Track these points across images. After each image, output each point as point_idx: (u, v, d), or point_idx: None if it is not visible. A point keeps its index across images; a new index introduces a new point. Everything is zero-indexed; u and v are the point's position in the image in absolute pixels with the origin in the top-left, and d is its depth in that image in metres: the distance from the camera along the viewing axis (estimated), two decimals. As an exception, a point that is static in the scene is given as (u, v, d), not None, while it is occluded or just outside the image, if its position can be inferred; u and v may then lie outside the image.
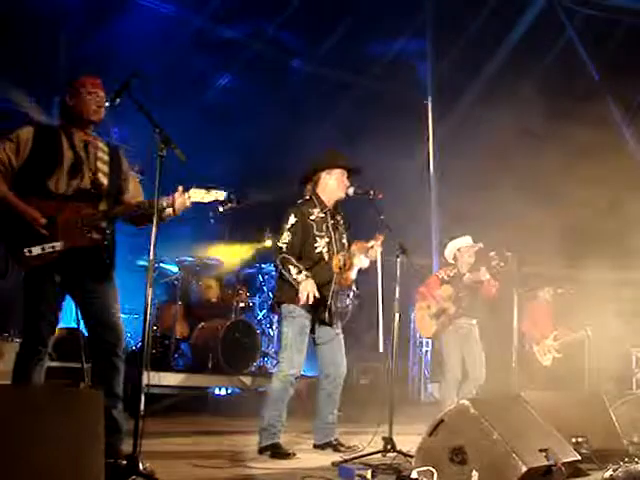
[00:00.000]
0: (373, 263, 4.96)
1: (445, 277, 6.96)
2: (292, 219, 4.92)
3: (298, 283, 4.74)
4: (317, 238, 4.95)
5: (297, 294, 4.75)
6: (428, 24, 11.79)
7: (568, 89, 10.11)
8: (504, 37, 11.51)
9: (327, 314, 4.93)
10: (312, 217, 4.98)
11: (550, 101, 9.93)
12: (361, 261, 4.96)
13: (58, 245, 3.71)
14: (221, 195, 3.96)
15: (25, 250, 3.68)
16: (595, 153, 8.69)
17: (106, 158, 3.99)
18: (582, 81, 10.95)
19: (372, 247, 4.90)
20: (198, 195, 3.90)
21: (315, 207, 5.01)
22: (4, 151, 3.74)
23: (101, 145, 4.01)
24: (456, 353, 6.76)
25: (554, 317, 8.82)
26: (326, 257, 4.95)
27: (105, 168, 3.95)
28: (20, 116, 8.60)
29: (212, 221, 8.34)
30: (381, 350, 4.89)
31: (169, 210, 3.90)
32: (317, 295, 4.75)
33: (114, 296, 3.93)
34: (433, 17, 11.63)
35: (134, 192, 4.11)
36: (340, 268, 4.92)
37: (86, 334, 4.02)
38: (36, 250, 3.68)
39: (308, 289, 4.71)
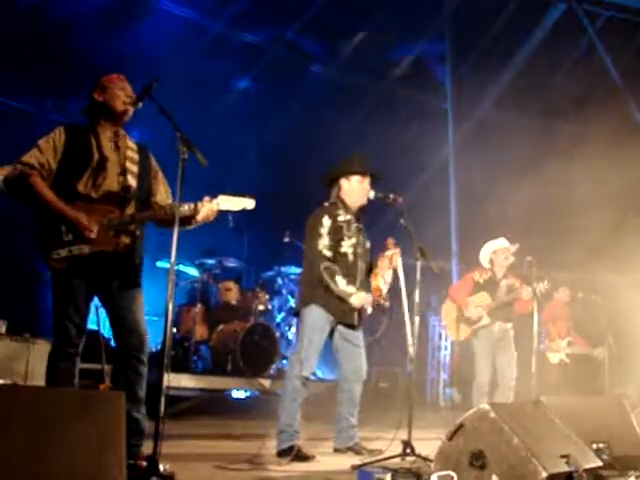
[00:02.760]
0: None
1: (480, 280, 6.85)
2: (326, 221, 4.89)
3: (349, 295, 4.78)
4: (345, 238, 4.94)
5: (339, 300, 4.81)
6: (447, 28, 11.77)
7: (589, 92, 10.04)
8: (524, 41, 11.46)
9: (357, 317, 4.94)
10: (340, 218, 4.97)
11: (571, 104, 9.88)
12: (390, 275, 4.99)
13: (85, 248, 3.72)
14: (250, 204, 3.95)
15: (53, 252, 3.70)
16: (617, 156, 8.62)
17: (136, 157, 3.95)
18: (603, 84, 10.87)
19: (392, 256, 4.92)
20: (227, 204, 3.91)
21: (340, 209, 5.01)
22: (43, 155, 3.74)
23: (130, 144, 3.98)
24: (486, 358, 6.71)
25: (573, 322, 8.75)
26: (351, 258, 4.93)
27: (135, 168, 3.91)
28: (33, 119, 8.72)
29: (231, 224, 8.39)
30: (411, 351, 4.87)
31: (197, 217, 3.89)
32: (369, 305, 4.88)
33: (140, 302, 3.93)
34: (452, 21, 11.61)
35: (164, 194, 4.07)
36: (381, 290, 4.95)
37: (108, 336, 4.04)
38: (64, 252, 3.70)
39: (363, 300, 4.82)
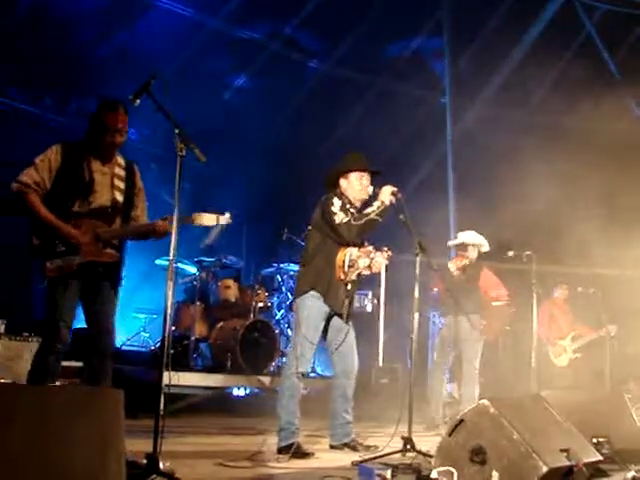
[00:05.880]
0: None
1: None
2: (336, 201, 4.91)
3: (380, 203, 4.83)
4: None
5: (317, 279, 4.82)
6: (445, 22, 11.75)
7: (587, 85, 10.02)
8: (522, 35, 11.45)
9: (347, 307, 4.93)
10: (347, 206, 4.98)
11: (569, 98, 9.87)
12: (364, 265, 4.94)
13: (77, 259, 4.08)
14: (224, 219, 4.27)
15: (48, 262, 4.04)
16: (615, 150, 8.62)
17: (123, 174, 4.27)
18: (601, 77, 10.85)
19: (373, 258, 4.88)
20: (200, 220, 4.17)
21: (341, 200, 4.99)
22: (39, 173, 4.05)
23: (120, 161, 4.27)
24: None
25: (573, 316, 8.75)
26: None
27: (122, 185, 4.25)
28: (33, 117, 8.71)
29: (231, 221, 8.37)
30: (381, 364, 4.88)
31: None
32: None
33: (114, 306, 4.26)
34: (450, 15, 11.59)
35: (140, 210, 4.37)
36: (343, 262, 4.89)
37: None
38: (57, 262, 4.06)
39: (388, 188, 4.85)
